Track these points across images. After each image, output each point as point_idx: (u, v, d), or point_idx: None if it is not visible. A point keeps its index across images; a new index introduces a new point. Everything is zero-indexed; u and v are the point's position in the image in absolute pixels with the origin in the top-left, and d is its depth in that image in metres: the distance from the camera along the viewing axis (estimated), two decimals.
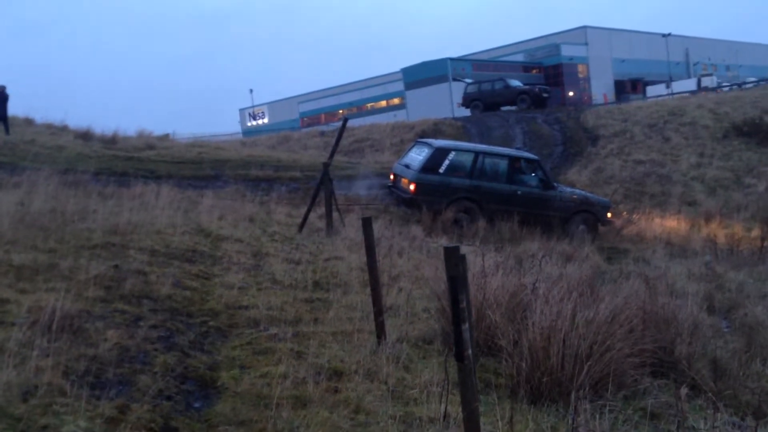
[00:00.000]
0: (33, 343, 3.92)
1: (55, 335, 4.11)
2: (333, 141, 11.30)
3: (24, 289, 5.07)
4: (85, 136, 20.92)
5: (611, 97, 59.43)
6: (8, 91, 19.56)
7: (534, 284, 5.39)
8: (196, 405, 3.71)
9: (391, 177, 14.60)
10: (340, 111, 62.17)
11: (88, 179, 11.68)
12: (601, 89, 60.34)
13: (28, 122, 23.29)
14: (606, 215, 14.33)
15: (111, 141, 20.31)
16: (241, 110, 76.03)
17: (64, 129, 22.69)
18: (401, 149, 22.37)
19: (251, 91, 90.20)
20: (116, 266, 5.98)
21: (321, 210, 10.56)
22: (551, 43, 61.71)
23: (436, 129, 27.58)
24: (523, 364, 4.21)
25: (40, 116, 24.01)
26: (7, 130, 19.02)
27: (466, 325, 3.01)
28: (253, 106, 72.90)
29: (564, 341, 4.12)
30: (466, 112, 36.86)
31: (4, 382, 3.37)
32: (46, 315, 4.35)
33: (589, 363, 4.05)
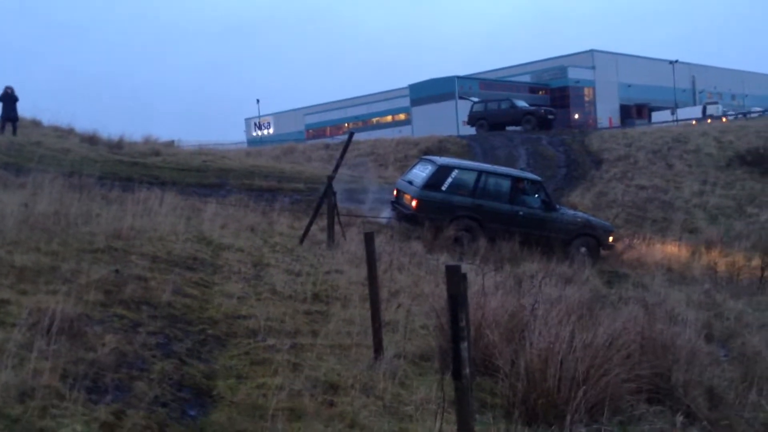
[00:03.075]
0: (32, 345, 3.92)
1: (55, 338, 4.12)
2: (337, 154, 11.34)
3: (25, 291, 5.08)
4: (92, 140, 21.03)
5: (616, 121, 59.70)
6: (17, 92, 19.68)
7: (533, 305, 5.41)
8: (192, 413, 3.71)
9: (395, 192, 14.64)
10: (346, 124, 62.45)
11: (93, 183, 11.71)
12: (606, 113, 60.60)
13: (36, 124, 23.41)
14: (608, 239, 14.34)
15: (117, 146, 20.41)
16: (247, 120, 76.33)
17: (70, 132, 22.81)
18: (405, 165, 22.45)
19: (258, 101, 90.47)
20: (117, 271, 6.00)
21: (323, 222, 10.59)
22: (558, 66, 62.04)
23: (440, 146, 27.68)
24: (520, 385, 4.22)
25: (47, 118, 24.15)
26: (14, 131, 19.12)
27: (465, 343, 3.02)
28: (259, 116, 73.11)
29: (561, 364, 4.13)
30: (472, 131, 37.00)
31: (2, 383, 3.38)
32: (46, 317, 4.36)
33: (585, 387, 4.05)
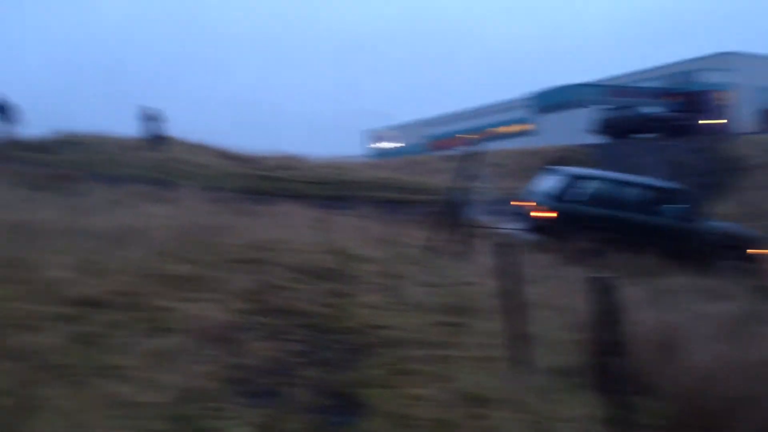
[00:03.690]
0: (189, 350, 4.16)
1: (208, 343, 4.35)
2: (461, 165, 11.29)
3: (178, 298, 5.38)
4: (224, 154, 22.11)
5: (757, 126, 55.99)
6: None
7: (684, 321, 5.13)
8: (340, 420, 3.78)
9: (521, 203, 14.37)
10: (469, 135, 62.07)
11: (230, 196, 12.28)
12: (745, 118, 57.03)
13: (171, 140, 24.90)
14: (757, 250, 13.35)
15: (249, 160, 21.32)
16: (369, 132, 77.62)
17: (204, 147, 24.05)
18: (530, 175, 22.03)
19: (380, 113, 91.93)
20: (258, 281, 6.24)
21: (451, 234, 10.55)
22: (691, 69, 58.96)
23: (567, 155, 27.02)
24: (674, 405, 4.00)
25: (181, 134, 25.52)
26: (157, 148, 20.49)
27: (620, 359, 2.90)
28: (381, 129, 74.18)
29: (721, 384, 3.88)
30: (600, 139, 35.82)
31: (170, 384, 3.59)
32: (201, 324, 4.62)
33: (750, 409, 3.79)
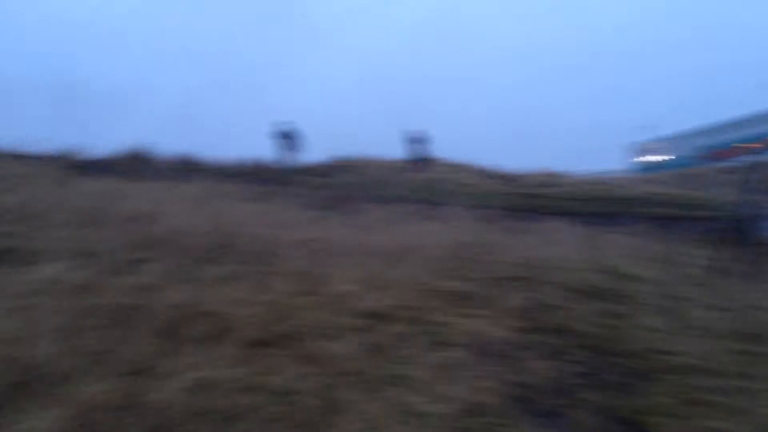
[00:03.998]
0: (470, 364, 4.28)
1: (488, 359, 4.44)
2: (745, 177, 10.26)
3: (454, 314, 5.56)
4: (486, 173, 22.45)
5: None
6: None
7: None
8: None
9: None
10: (749, 144, 56.09)
11: (495, 214, 12.42)
12: None
13: (434, 160, 25.86)
14: None
15: (510, 178, 21.42)
16: (633, 145, 73.83)
17: (465, 167, 24.63)
18: None
19: (643, 125, 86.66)
20: (530, 298, 6.22)
21: (739, 252, 9.63)
22: None
23: None
24: None
25: (442, 154, 26.41)
26: (422, 169, 21.49)
27: None
28: (646, 141, 70.08)
29: None
30: None
31: (454, 397, 3.73)
32: (478, 339, 4.73)
33: None
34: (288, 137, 23.47)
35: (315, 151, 23.77)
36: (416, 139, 23.17)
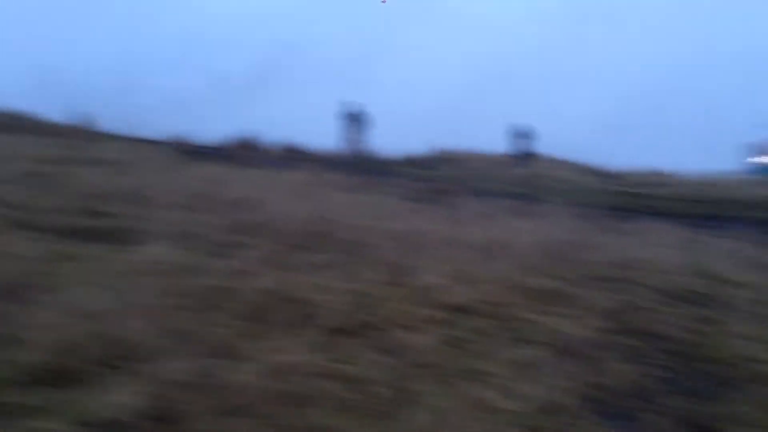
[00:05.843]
0: (549, 363, 4.28)
1: (568, 358, 4.41)
2: None
3: (539, 311, 5.54)
4: (589, 170, 21.93)
5: None
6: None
7: None
8: None
9: None
10: None
11: (594, 213, 12.13)
12: None
13: (538, 156, 25.46)
14: None
15: (613, 176, 20.86)
16: (749, 145, 69.66)
17: (568, 163, 24.12)
18: None
19: (758, 124, 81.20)
20: (620, 300, 6.09)
21: None
22: None
23: None
24: None
25: (547, 150, 25.94)
26: (525, 165, 21.26)
27: None
28: (764, 141, 66.05)
29: None
30: None
31: (529, 395, 3.75)
32: (560, 338, 4.70)
33: None
34: (355, 119, 23.20)
35: (418, 143, 23.87)
36: (521, 134, 22.93)
